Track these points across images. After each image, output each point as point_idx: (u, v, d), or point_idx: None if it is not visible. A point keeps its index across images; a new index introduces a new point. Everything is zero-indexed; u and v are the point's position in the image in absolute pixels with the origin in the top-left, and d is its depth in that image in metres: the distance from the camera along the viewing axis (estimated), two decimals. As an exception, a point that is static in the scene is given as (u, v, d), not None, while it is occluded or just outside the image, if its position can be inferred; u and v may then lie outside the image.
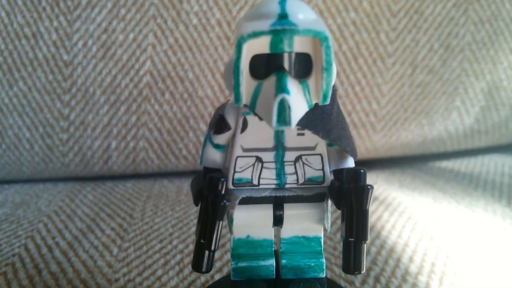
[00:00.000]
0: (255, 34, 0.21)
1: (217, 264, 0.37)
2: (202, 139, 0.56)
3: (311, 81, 0.22)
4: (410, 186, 0.55)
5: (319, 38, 0.21)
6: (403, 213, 0.47)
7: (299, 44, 0.22)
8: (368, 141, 0.59)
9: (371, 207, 0.48)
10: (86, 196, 0.53)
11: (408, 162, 0.65)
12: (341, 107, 0.57)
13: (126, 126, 0.55)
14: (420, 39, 0.57)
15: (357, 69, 0.57)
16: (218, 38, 0.54)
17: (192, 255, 0.26)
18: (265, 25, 0.21)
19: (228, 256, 0.38)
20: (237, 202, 0.25)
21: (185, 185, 0.57)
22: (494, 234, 0.43)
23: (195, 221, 0.29)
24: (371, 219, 0.45)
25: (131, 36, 0.53)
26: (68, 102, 0.54)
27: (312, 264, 0.27)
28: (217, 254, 0.39)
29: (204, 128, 0.56)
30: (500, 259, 0.39)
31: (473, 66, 0.59)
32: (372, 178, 0.58)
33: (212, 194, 0.24)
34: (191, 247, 0.40)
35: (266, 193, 0.26)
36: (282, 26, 0.21)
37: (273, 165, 0.25)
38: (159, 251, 0.40)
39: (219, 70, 0.55)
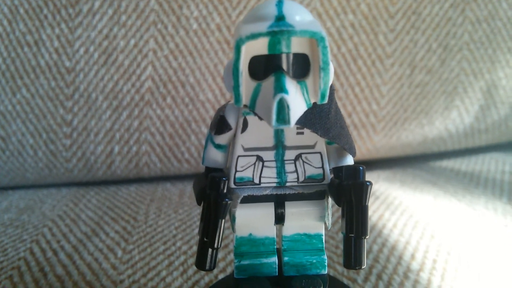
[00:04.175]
0: (253, 36, 0.21)
1: (221, 264, 0.38)
2: (204, 142, 0.56)
3: (309, 80, 0.23)
4: (411, 185, 0.56)
5: (315, 39, 0.22)
6: (405, 211, 0.47)
7: (296, 45, 0.22)
8: (369, 141, 0.60)
9: (373, 206, 0.49)
10: (90, 200, 0.53)
11: (409, 162, 0.65)
12: (342, 109, 0.57)
13: (128, 131, 0.55)
14: (418, 39, 0.58)
15: (357, 70, 0.57)
16: (218, 43, 0.55)
17: (195, 256, 0.26)
18: (262, 27, 0.21)
19: (231, 256, 0.39)
20: (238, 200, 0.26)
21: (188, 188, 0.57)
22: (495, 231, 0.43)
23: (198, 223, 0.29)
24: (373, 218, 0.46)
25: (132, 42, 0.54)
26: (70, 108, 0.54)
27: (314, 261, 0.28)
28: (220, 255, 0.39)
29: (205, 131, 0.56)
30: (501, 256, 0.39)
31: (472, 66, 0.60)
32: (373, 178, 0.58)
33: (214, 193, 0.24)
34: (195, 248, 0.41)
35: (267, 192, 0.26)
36: (279, 28, 0.21)
37: (273, 164, 0.26)
38: (163, 253, 0.40)
39: (220, 74, 0.55)
